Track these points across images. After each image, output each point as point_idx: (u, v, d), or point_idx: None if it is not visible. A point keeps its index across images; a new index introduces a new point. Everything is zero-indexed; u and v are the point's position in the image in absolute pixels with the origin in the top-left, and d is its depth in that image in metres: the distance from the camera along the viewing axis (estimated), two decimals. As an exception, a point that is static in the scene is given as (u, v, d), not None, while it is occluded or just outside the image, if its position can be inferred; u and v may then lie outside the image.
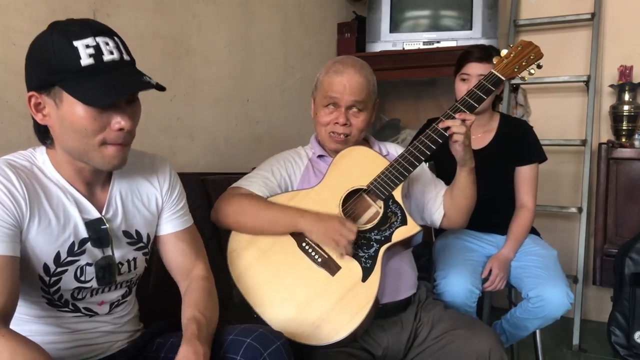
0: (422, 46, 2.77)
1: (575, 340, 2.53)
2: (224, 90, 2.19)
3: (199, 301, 1.12)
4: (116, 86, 0.94)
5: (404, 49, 2.80)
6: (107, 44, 0.94)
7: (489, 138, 1.91)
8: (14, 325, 0.92)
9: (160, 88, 0.99)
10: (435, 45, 2.74)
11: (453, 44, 2.70)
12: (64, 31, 0.93)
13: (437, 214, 1.51)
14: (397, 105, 3.22)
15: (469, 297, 1.63)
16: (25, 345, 0.85)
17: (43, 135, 1.02)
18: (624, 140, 2.62)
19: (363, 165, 1.42)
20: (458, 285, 1.64)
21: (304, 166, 1.53)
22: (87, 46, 0.92)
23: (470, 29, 2.70)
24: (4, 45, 1.39)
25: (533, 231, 1.96)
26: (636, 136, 2.58)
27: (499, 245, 1.88)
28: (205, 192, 1.66)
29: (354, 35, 2.97)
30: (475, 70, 1.79)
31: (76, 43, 0.92)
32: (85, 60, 0.92)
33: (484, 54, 1.79)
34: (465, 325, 1.35)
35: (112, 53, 0.94)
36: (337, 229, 1.27)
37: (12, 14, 1.41)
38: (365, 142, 1.57)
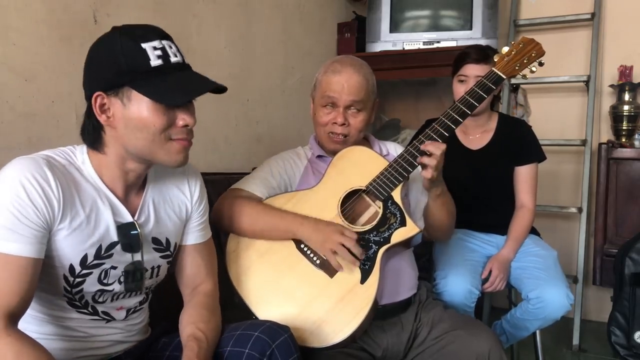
0: (422, 46, 2.77)
1: (575, 340, 2.53)
2: (224, 90, 2.19)
3: (200, 318, 1.11)
4: (188, 86, 0.99)
5: (404, 49, 2.79)
6: (170, 47, 0.99)
7: (487, 138, 1.91)
8: (28, 324, 0.93)
9: (224, 90, 1.03)
10: (435, 45, 2.74)
11: (453, 44, 2.70)
12: (131, 34, 0.97)
13: (420, 222, 1.50)
14: (397, 105, 3.21)
15: (468, 298, 1.63)
16: (30, 346, 0.86)
17: (95, 138, 1.02)
18: (624, 140, 2.62)
19: (362, 165, 1.41)
20: (457, 285, 1.64)
21: (304, 167, 1.52)
22: (155, 48, 0.97)
23: (470, 29, 2.70)
24: (4, 45, 1.39)
25: (533, 231, 1.95)
26: (636, 136, 2.58)
27: (499, 245, 1.88)
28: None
29: (354, 35, 2.97)
30: (473, 71, 1.78)
31: (144, 45, 0.96)
32: (155, 62, 0.96)
33: (481, 54, 1.78)
34: (465, 325, 1.35)
35: (176, 55, 1.00)
36: (336, 238, 1.25)
37: (12, 13, 1.40)
38: (365, 141, 1.57)
